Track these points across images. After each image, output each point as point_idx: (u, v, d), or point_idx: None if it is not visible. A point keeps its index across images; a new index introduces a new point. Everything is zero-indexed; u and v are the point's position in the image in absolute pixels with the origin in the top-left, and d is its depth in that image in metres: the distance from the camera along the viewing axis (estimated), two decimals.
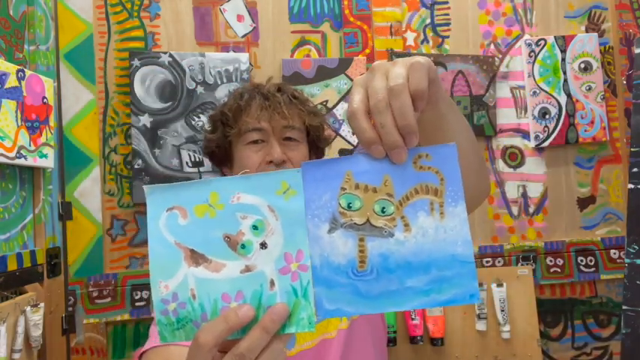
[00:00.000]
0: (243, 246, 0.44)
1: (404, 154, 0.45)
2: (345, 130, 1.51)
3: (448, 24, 1.62)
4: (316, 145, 0.99)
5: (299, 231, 0.44)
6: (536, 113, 1.60)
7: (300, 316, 0.43)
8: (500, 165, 1.60)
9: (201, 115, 1.44)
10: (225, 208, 0.44)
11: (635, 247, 1.16)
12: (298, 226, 0.44)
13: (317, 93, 1.50)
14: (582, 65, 1.62)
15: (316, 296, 0.44)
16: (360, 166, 0.46)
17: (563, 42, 1.62)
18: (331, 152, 1.50)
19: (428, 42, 1.60)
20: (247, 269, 0.44)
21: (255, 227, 0.44)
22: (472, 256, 0.45)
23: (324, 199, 0.46)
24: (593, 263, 1.57)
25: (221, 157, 0.99)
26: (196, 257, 0.44)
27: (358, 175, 0.46)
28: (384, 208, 0.45)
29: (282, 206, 0.44)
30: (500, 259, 1.54)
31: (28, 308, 1.12)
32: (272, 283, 0.44)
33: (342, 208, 0.45)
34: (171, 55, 1.44)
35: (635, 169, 1.18)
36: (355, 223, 0.45)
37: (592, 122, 1.61)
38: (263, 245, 0.44)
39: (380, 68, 0.47)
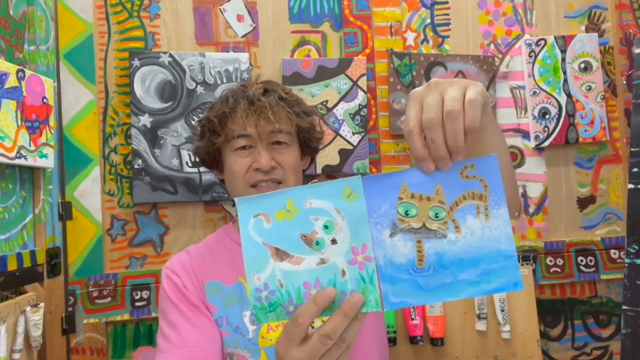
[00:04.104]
0: (317, 243, 0.53)
1: (449, 164, 0.52)
2: (345, 129, 1.51)
3: (448, 24, 1.62)
4: (308, 145, 0.98)
5: (362, 228, 0.52)
6: (536, 113, 1.60)
7: (368, 298, 0.51)
8: None
9: (201, 115, 1.44)
10: (300, 212, 0.53)
11: (635, 247, 1.16)
12: (361, 224, 0.52)
13: (317, 93, 1.50)
14: (582, 65, 1.62)
15: (382, 291, 0.52)
16: (414, 178, 0.53)
17: (563, 42, 1.62)
18: (332, 152, 1.50)
19: (428, 42, 1.60)
20: (322, 262, 0.52)
21: (326, 227, 0.53)
22: (514, 250, 0.51)
23: (384, 208, 0.53)
24: (593, 263, 1.57)
25: (211, 162, 0.99)
26: (280, 254, 0.53)
27: (413, 186, 0.53)
28: (437, 213, 0.52)
29: (347, 208, 0.52)
30: None
31: (28, 308, 1.12)
32: (343, 272, 0.52)
33: (401, 215, 0.53)
34: (171, 55, 1.44)
35: (635, 169, 1.18)
36: (413, 228, 0.52)
37: (592, 122, 1.61)
38: (333, 241, 0.53)
39: (437, 86, 0.52)
